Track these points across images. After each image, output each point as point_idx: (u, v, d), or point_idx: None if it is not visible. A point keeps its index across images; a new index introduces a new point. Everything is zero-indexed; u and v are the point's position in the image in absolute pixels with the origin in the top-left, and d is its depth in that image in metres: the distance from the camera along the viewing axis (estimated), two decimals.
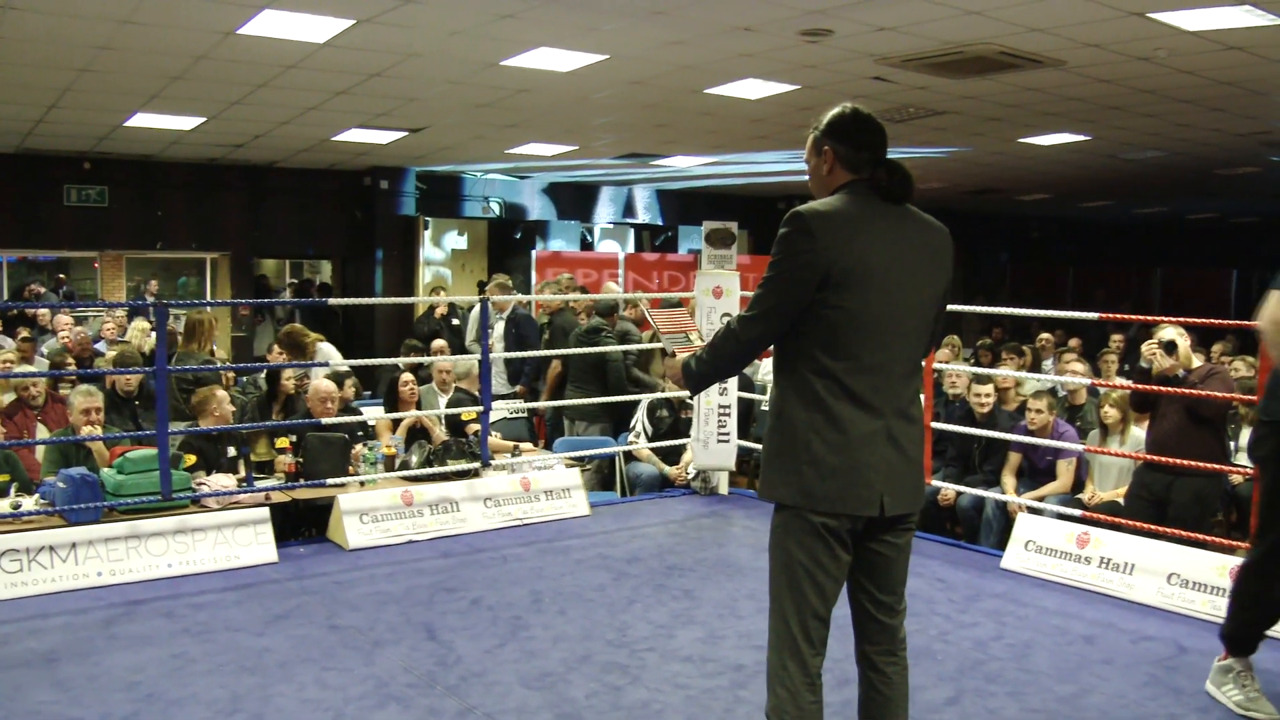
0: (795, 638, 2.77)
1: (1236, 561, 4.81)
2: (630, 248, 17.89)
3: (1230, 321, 6.21)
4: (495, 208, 16.48)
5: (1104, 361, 9.25)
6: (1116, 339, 10.68)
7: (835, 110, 2.88)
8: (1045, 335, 10.91)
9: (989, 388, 7.31)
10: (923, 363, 2.94)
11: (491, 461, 6.73)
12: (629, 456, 7.98)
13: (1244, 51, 7.71)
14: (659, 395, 7.93)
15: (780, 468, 2.79)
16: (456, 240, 16.22)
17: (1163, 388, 5.75)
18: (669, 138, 12.32)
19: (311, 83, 8.94)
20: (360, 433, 6.93)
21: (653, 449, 7.80)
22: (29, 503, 5.55)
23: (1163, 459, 5.68)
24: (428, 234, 15.70)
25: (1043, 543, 5.73)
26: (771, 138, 12.03)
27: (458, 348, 10.16)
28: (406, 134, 11.83)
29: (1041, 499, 6.74)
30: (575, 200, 17.46)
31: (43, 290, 15.22)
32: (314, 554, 5.92)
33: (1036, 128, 11.41)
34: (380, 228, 15.32)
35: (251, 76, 8.72)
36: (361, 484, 6.36)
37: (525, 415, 9.15)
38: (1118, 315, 6.65)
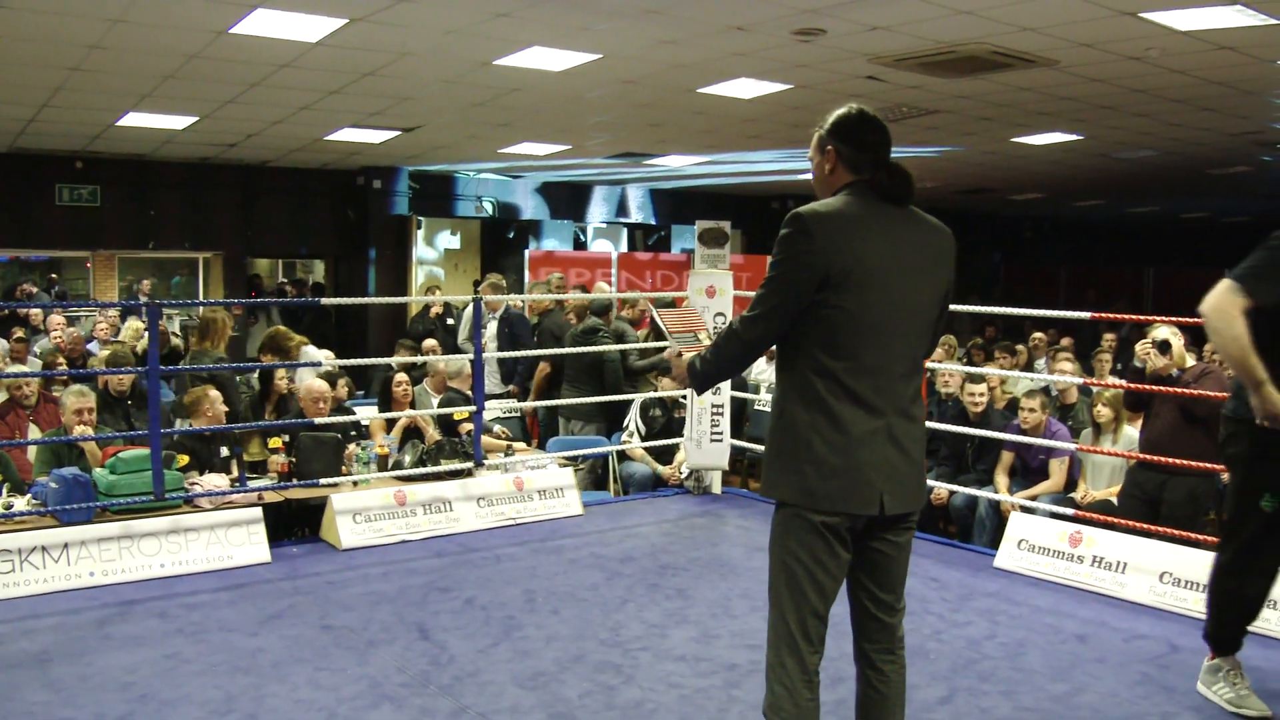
0: (794, 635, 2.78)
1: None
2: (623, 247, 17.90)
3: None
4: (488, 207, 16.47)
5: (1098, 361, 9.26)
6: (1109, 338, 10.70)
7: (841, 110, 2.91)
8: (1038, 334, 10.92)
9: (983, 387, 7.32)
10: (924, 363, 2.95)
11: (485, 461, 6.73)
12: (622, 456, 7.98)
13: (1235, 51, 7.73)
14: (652, 395, 7.93)
15: (782, 467, 2.81)
16: (449, 240, 16.21)
17: (1156, 387, 5.76)
18: (662, 137, 12.32)
19: (304, 82, 8.93)
20: (353, 432, 6.93)
21: (646, 448, 7.81)
22: (21, 503, 5.54)
23: (1156, 458, 5.69)
24: (421, 233, 15.68)
25: (1035, 542, 5.74)
26: (764, 137, 12.04)
27: (452, 348, 10.15)
28: (399, 133, 11.82)
29: (1034, 498, 6.75)
30: (568, 200, 17.45)
31: (35, 290, 15.17)
32: (307, 554, 5.92)
33: (1029, 127, 11.43)
34: (373, 227, 15.31)
35: (244, 76, 8.70)
36: (354, 484, 6.35)
37: (518, 415, 9.15)
38: (1111, 315, 6.66)
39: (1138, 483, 6.03)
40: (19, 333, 10.19)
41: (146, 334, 7.56)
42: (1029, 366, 9.87)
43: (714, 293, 7.33)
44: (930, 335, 2.93)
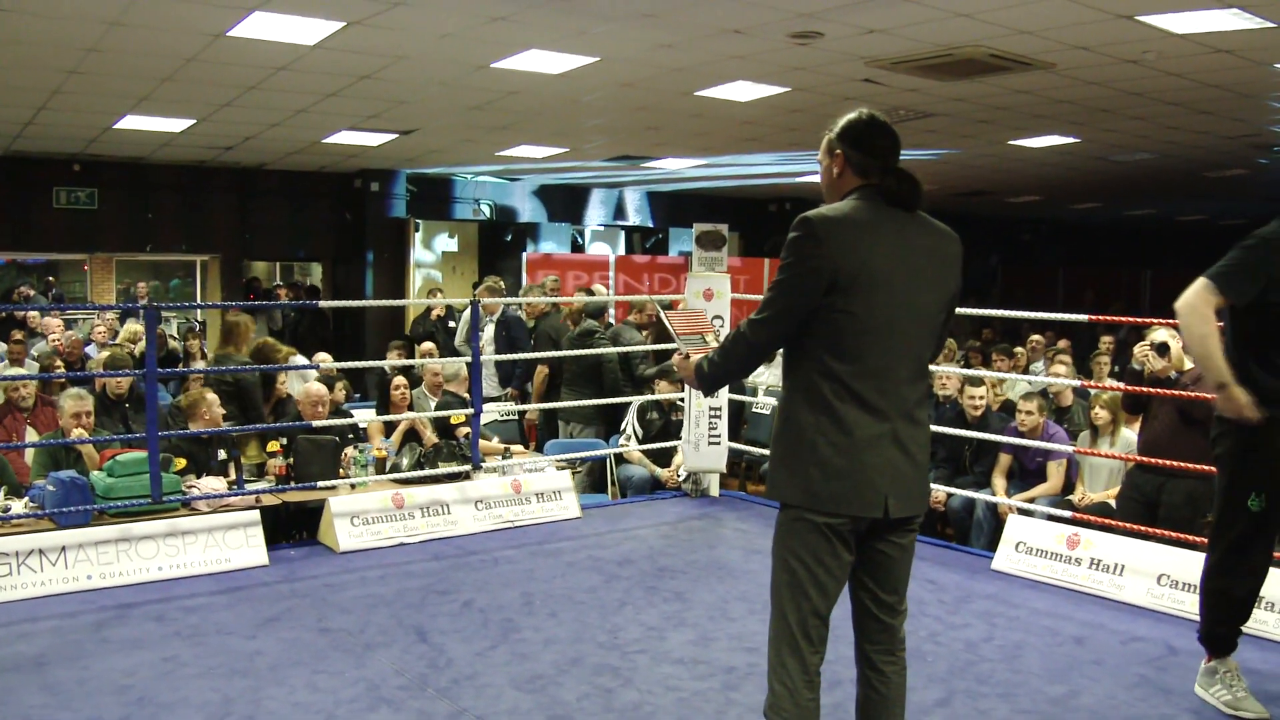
0: (795, 635, 2.80)
1: None
2: (621, 250, 17.90)
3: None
4: (486, 210, 16.46)
5: (1095, 363, 9.26)
6: (1107, 340, 10.71)
7: (851, 114, 2.93)
8: (1035, 337, 10.92)
9: (982, 390, 7.32)
10: (929, 366, 2.96)
11: (482, 464, 6.73)
12: (620, 459, 7.98)
13: (1232, 54, 7.74)
14: (649, 398, 7.93)
15: (787, 468, 2.83)
16: (447, 243, 16.20)
17: (1154, 389, 5.77)
18: (660, 140, 12.33)
19: (302, 85, 8.92)
20: (351, 435, 6.93)
21: (644, 451, 7.80)
22: (18, 506, 5.53)
23: (1154, 460, 5.70)
24: (418, 236, 15.67)
25: (1033, 544, 5.74)
26: (762, 140, 12.04)
27: (454, 351, 10.15)
28: (397, 136, 11.82)
29: (1032, 500, 6.76)
30: (566, 202, 17.45)
31: (32, 293, 15.17)
32: (305, 557, 5.91)
33: (1026, 130, 11.43)
34: (371, 230, 15.29)
35: (241, 79, 8.70)
36: (352, 486, 6.35)
37: (516, 418, 9.15)
38: (1108, 317, 6.67)
39: (1136, 485, 6.03)
40: (17, 335, 10.19)
41: (144, 337, 7.57)
42: (1026, 369, 9.88)
43: (711, 295, 7.33)
44: (936, 339, 2.95)
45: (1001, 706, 3.97)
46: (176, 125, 10.86)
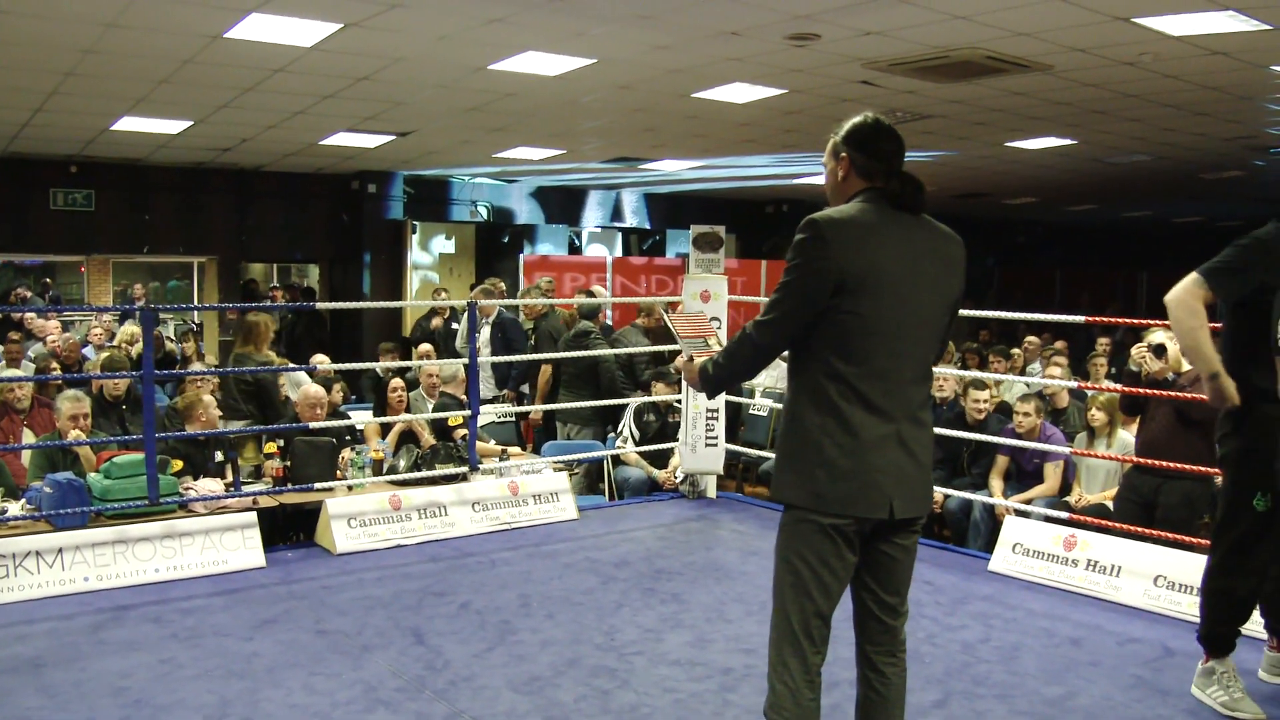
0: (797, 635, 2.82)
1: None
2: (618, 252, 17.89)
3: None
4: (483, 212, 16.46)
5: (1092, 365, 9.27)
6: (1103, 342, 10.72)
7: (857, 118, 2.96)
8: (1032, 338, 10.92)
9: (986, 394, 7.33)
10: (933, 368, 2.99)
11: (479, 466, 6.73)
12: (617, 460, 7.98)
13: (1228, 57, 7.75)
14: (646, 399, 7.93)
15: (792, 469, 2.84)
16: (444, 244, 16.19)
17: (1152, 390, 5.78)
18: (657, 141, 12.33)
19: (299, 86, 8.92)
20: (348, 437, 6.93)
21: (641, 452, 7.80)
22: (15, 508, 5.53)
23: (1151, 461, 5.70)
24: (415, 238, 15.66)
25: (1030, 545, 5.75)
26: (759, 142, 12.05)
27: (457, 353, 10.15)
28: (394, 138, 11.82)
29: (1029, 502, 6.76)
30: (563, 204, 17.44)
31: (29, 295, 15.16)
32: (302, 558, 5.91)
33: (1023, 132, 11.45)
34: (368, 232, 15.28)
35: (239, 80, 8.69)
36: (349, 488, 6.35)
37: (513, 419, 9.15)
38: (1105, 318, 6.68)
39: (1133, 486, 6.04)
40: (14, 336, 10.19)
41: (141, 338, 7.58)
42: (1023, 370, 9.88)
43: (709, 297, 7.32)
44: (939, 342, 2.97)
45: (998, 708, 3.97)
46: (174, 127, 10.85)
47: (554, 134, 11.85)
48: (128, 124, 10.57)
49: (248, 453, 6.75)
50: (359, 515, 6.12)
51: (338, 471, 6.41)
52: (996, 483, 7.09)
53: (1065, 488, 6.99)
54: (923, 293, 2.83)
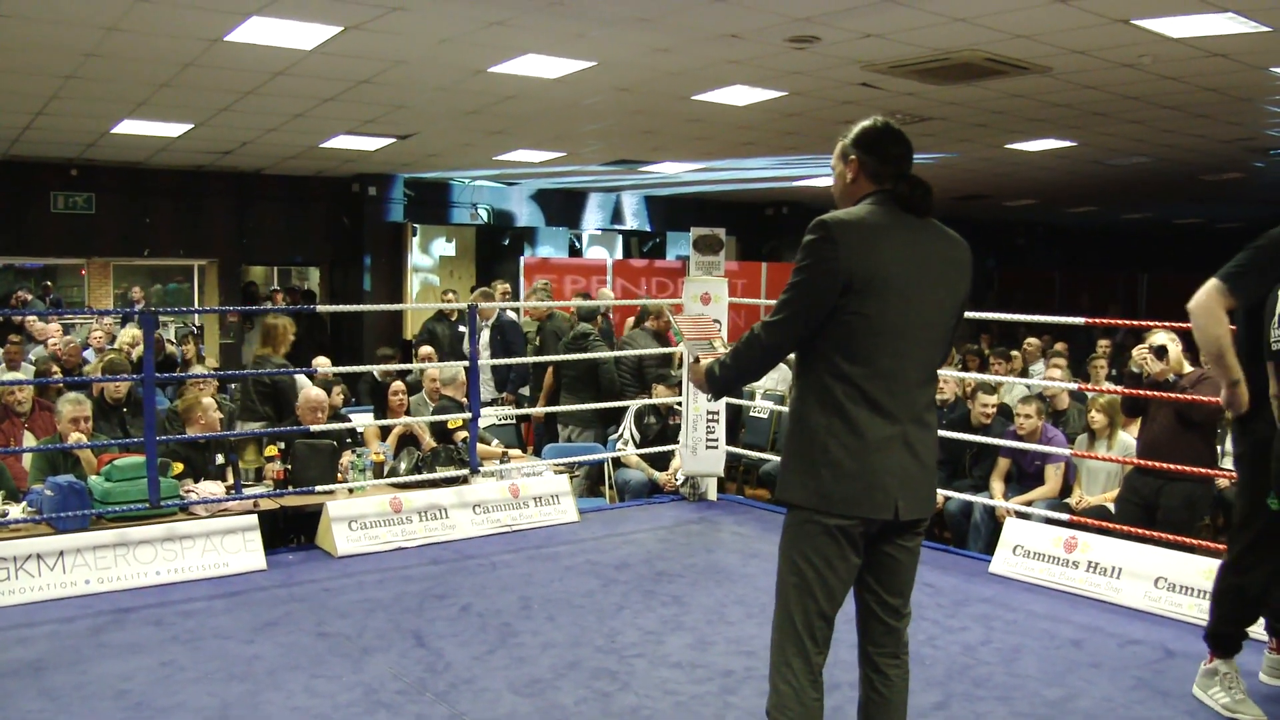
0: (800, 635, 2.83)
1: None
2: (618, 254, 17.91)
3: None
4: (483, 214, 16.47)
5: (1092, 367, 9.27)
6: (1104, 344, 10.73)
7: (866, 121, 2.97)
8: (1032, 340, 10.93)
9: (994, 397, 7.33)
10: (939, 370, 2.99)
11: (480, 468, 6.73)
12: (618, 462, 7.98)
13: (1227, 58, 7.76)
14: (646, 401, 7.93)
15: (798, 469, 2.85)
16: (445, 247, 16.22)
17: (1153, 392, 5.78)
18: (657, 144, 12.34)
19: (299, 89, 8.93)
20: (348, 440, 6.93)
21: (642, 455, 7.81)
22: (16, 510, 5.53)
23: (1153, 463, 5.70)
24: (416, 241, 15.69)
25: (1031, 547, 5.75)
26: (759, 144, 12.06)
27: (463, 356, 10.16)
28: (394, 140, 11.82)
29: (1030, 503, 6.76)
30: (563, 207, 17.46)
31: (29, 298, 15.16)
32: (303, 561, 5.91)
33: (1023, 134, 11.46)
34: (368, 234, 15.30)
35: (239, 83, 8.70)
36: (350, 491, 6.35)
37: (513, 422, 9.15)
38: (1106, 320, 6.68)
39: (1134, 488, 6.04)
40: (14, 339, 10.18)
41: (142, 341, 7.58)
42: (1024, 372, 9.89)
43: (709, 300, 7.33)
44: (945, 344, 2.98)
45: (999, 709, 3.97)
46: (174, 130, 10.86)
47: (554, 137, 11.85)
48: (128, 127, 10.58)
49: (248, 455, 6.74)
50: (360, 518, 6.12)
51: (338, 474, 6.41)
52: (997, 485, 7.09)
53: (1066, 489, 6.99)
54: (929, 295, 2.84)
